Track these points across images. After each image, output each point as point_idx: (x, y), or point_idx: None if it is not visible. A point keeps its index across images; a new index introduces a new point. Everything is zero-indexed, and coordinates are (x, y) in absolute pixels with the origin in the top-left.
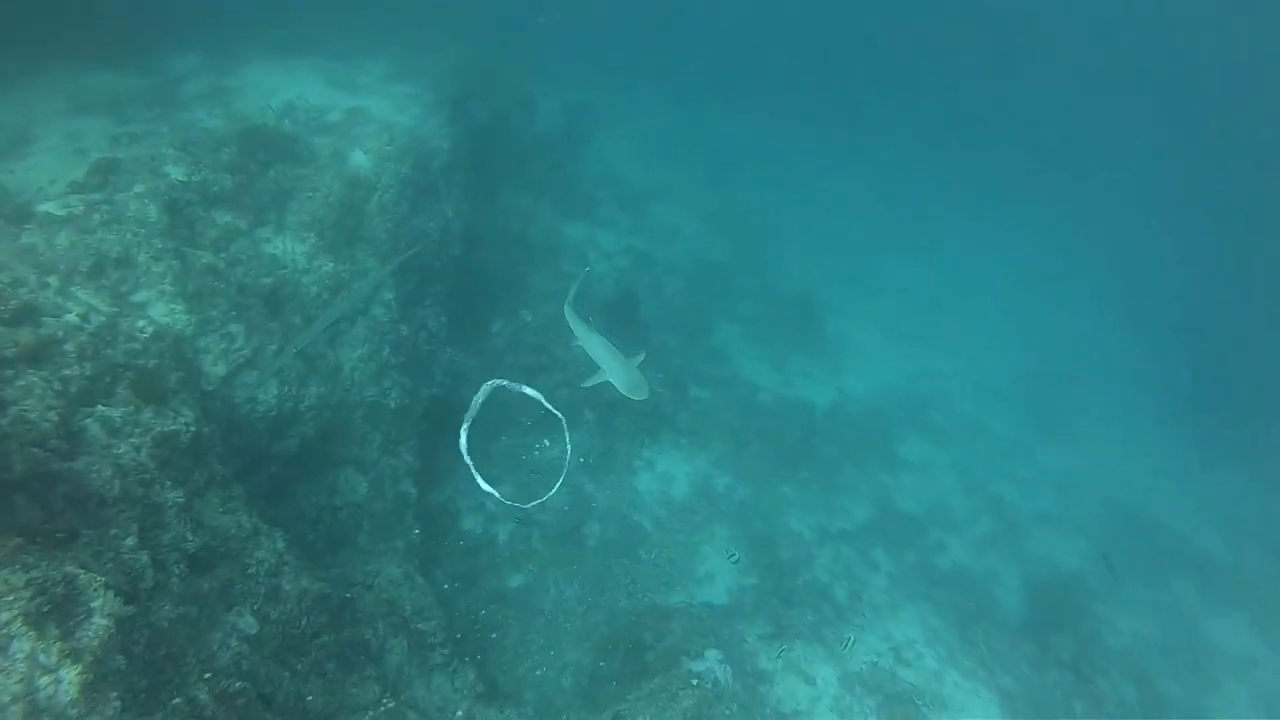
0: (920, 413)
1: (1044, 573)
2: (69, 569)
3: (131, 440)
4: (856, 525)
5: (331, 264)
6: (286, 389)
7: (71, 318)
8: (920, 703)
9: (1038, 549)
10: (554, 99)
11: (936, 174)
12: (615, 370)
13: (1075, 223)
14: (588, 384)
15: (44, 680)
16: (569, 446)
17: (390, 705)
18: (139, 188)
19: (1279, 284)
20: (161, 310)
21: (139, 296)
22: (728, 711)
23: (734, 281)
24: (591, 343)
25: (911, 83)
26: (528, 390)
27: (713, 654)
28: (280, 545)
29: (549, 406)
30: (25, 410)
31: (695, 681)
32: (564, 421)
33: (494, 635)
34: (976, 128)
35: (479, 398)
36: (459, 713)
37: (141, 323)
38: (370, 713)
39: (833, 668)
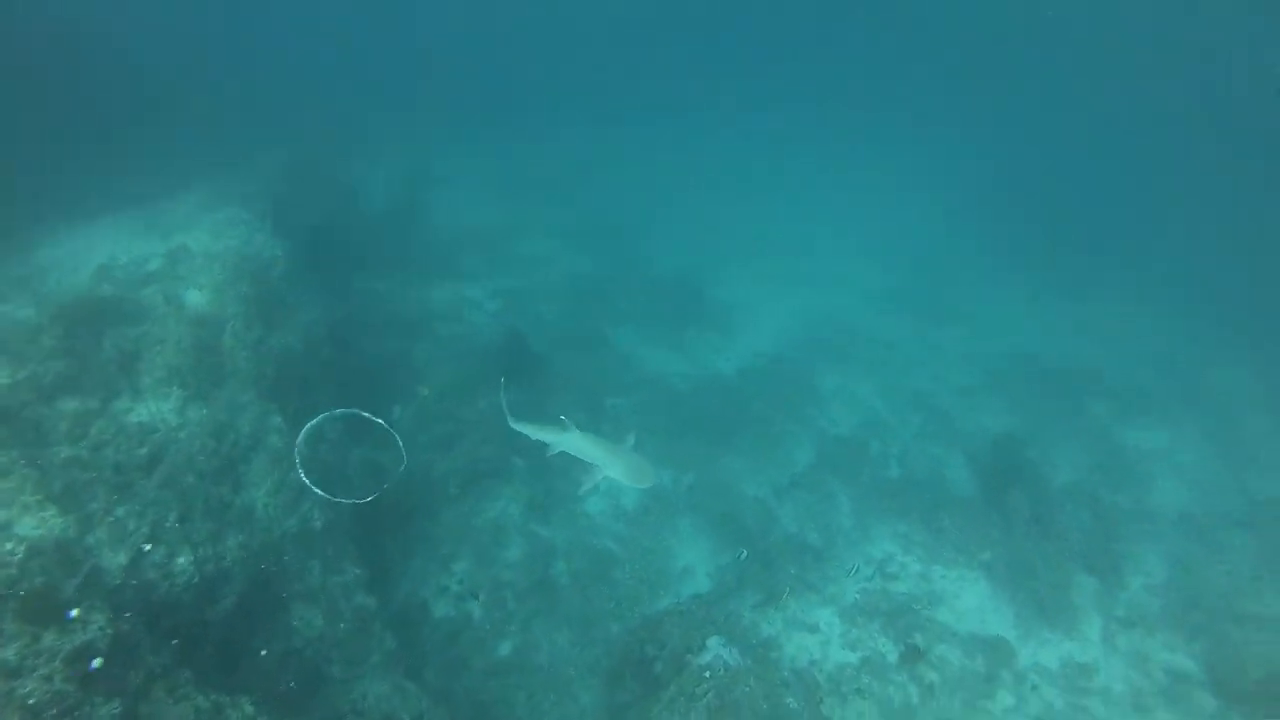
0: (824, 345)
1: (979, 442)
2: None
3: (39, 673)
4: (805, 467)
5: (205, 409)
6: (202, 551)
7: None
8: (919, 608)
9: (967, 423)
10: (388, 173)
11: (784, 134)
12: (612, 463)
13: (903, 146)
14: (584, 490)
15: None
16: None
17: None
18: None
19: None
20: (31, 524)
21: None
22: (747, 689)
23: (611, 286)
24: (572, 442)
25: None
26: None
27: (714, 641)
28: (249, 710)
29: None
30: None
31: (708, 674)
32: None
33: (503, 709)
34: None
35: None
36: None
37: (10, 545)
38: None
39: (830, 609)
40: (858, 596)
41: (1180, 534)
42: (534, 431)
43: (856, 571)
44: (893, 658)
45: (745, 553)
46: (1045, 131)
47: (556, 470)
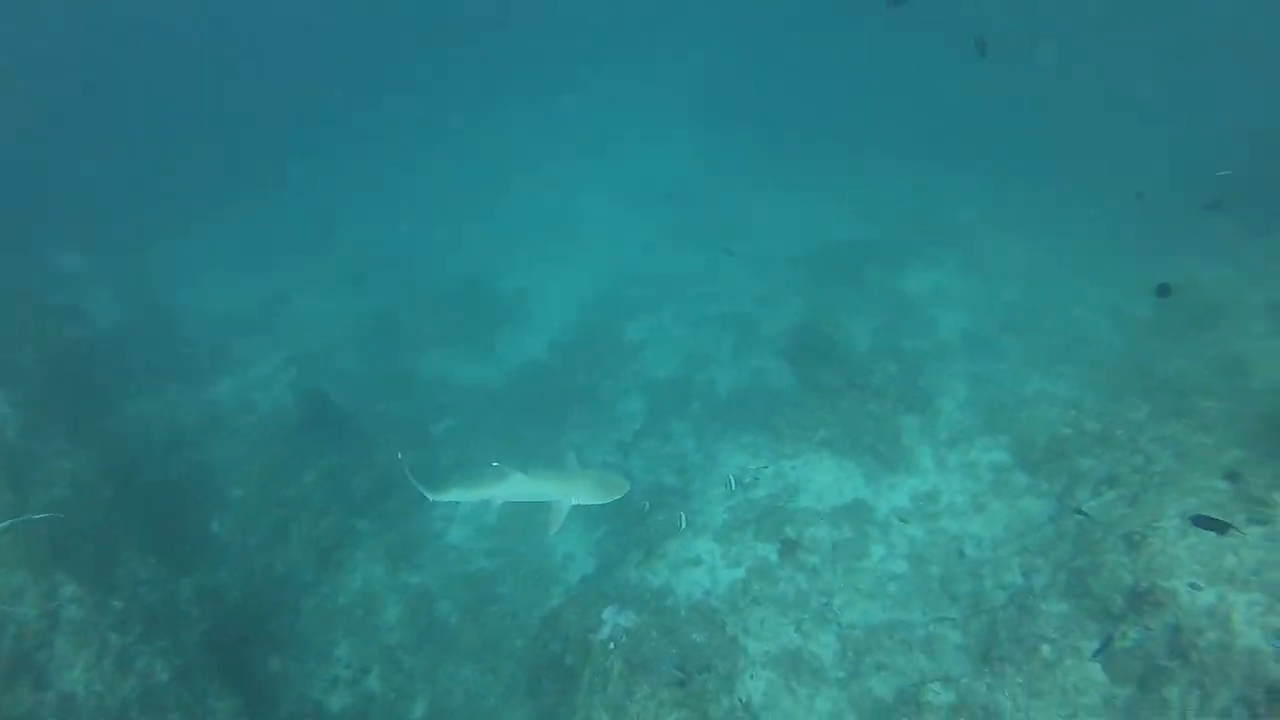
0: (622, 301)
1: (781, 336)
2: None
3: None
4: (642, 418)
5: None
6: None
7: None
8: (782, 504)
9: (772, 327)
10: (115, 278)
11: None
12: (575, 489)
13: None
14: (555, 530)
15: None
16: None
17: None
18: None
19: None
20: None
21: None
22: (652, 642)
23: (403, 316)
24: (518, 487)
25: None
26: None
27: (608, 612)
28: None
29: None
30: None
31: (611, 645)
32: None
33: None
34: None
35: None
36: None
37: None
38: None
39: (705, 539)
40: (726, 516)
41: (968, 353)
42: (465, 494)
43: (731, 486)
44: (774, 557)
45: (648, 505)
46: (760, 36)
47: (405, 515)
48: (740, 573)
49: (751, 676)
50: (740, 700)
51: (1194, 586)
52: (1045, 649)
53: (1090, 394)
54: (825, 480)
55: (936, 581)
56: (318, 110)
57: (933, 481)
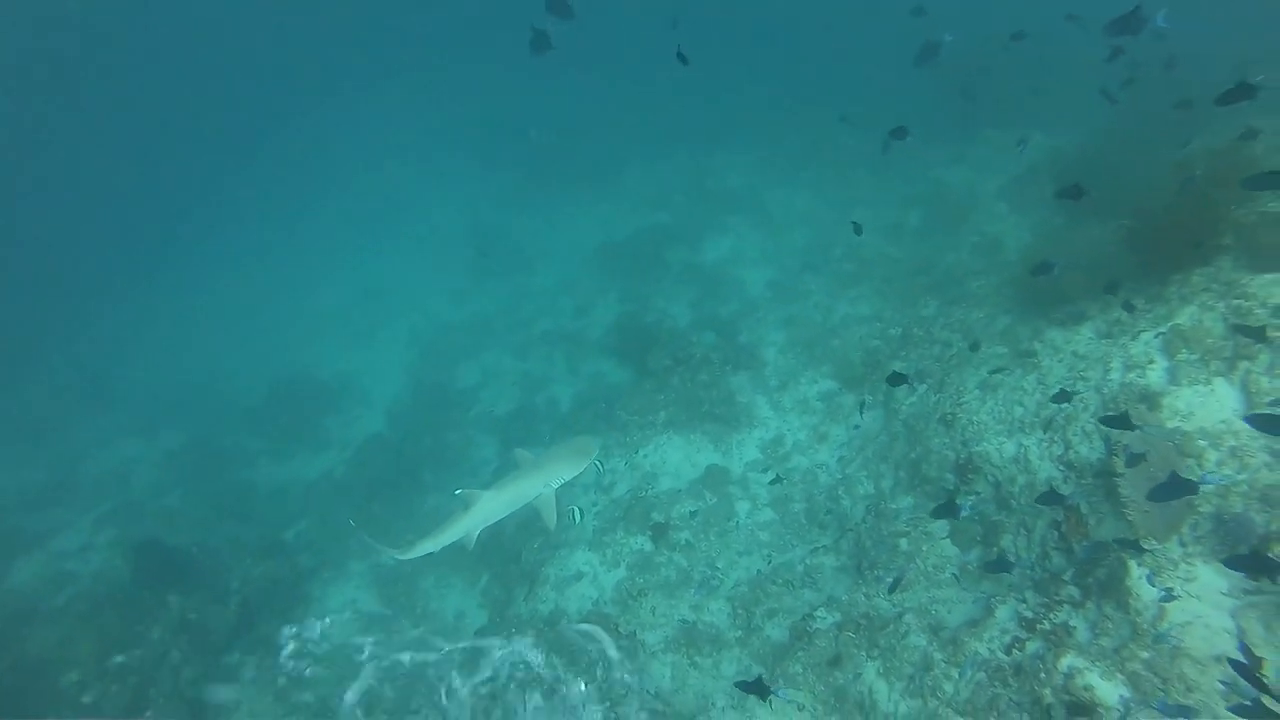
0: (445, 352)
1: (606, 336)
2: None
3: None
4: (496, 458)
5: None
6: None
7: None
8: (644, 493)
9: (594, 331)
10: None
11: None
12: (552, 471)
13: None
14: (552, 523)
15: None
16: None
17: None
18: None
19: None
20: None
21: None
22: (551, 670)
23: (222, 440)
24: (494, 501)
25: None
26: None
27: (499, 657)
28: None
29: None
30: None
31: (512, 686)
32: None
33: None
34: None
35: None
36: None
37: None
38: None
39: (581, 551)
40: (595, 523)
41: (777, 301)
42: (437, 540)
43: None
44: (649, 546)
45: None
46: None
47: (276, 632)
48: (621, 572)
49: (659, 664)
50: (650, 691)
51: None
52: (903, 543)
53: (887, 306)
54: (678, 458)
55: (803, 517)
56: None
57: (775, 427)
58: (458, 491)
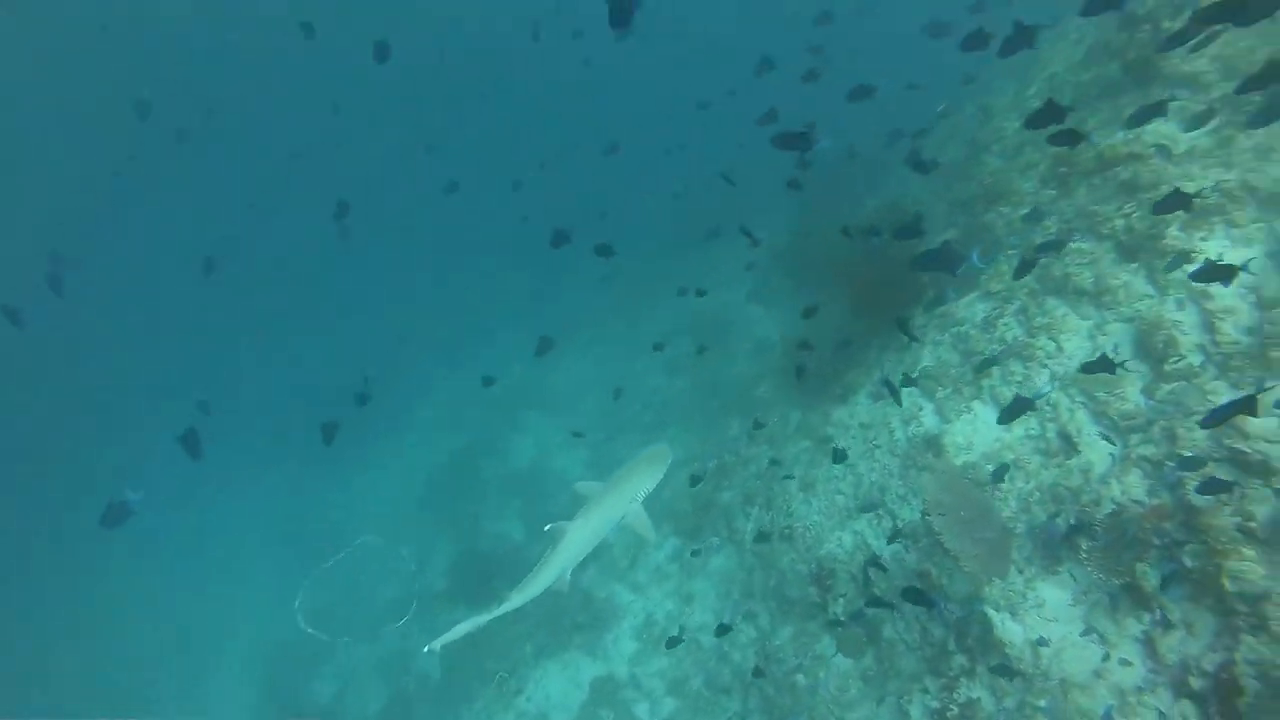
0: None
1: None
2: None
3: None
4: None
5: None
6: None
7: None
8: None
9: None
10: None
11: None
12: (631, 488)
13: None
14: (652, 537)
15: None
16: None
17: None
18: None
19: None
20: None
21: None
22: None
23: None
24: (582, 534)
25: None
26: None
27: None
28: None
29: None
30: None
31: None
32: None
33: None
34: None
35: None
36: None
37: None
38: None
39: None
40: None
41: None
42: (532, 587)
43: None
44: None
45: None
46: None
47: None
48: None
49: None
50: None
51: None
52: (800, 679)
53: (695, 440)
54: (560, 687)
55: (705, 689)
56: None
57: (641, 609)
58: (547, 528)
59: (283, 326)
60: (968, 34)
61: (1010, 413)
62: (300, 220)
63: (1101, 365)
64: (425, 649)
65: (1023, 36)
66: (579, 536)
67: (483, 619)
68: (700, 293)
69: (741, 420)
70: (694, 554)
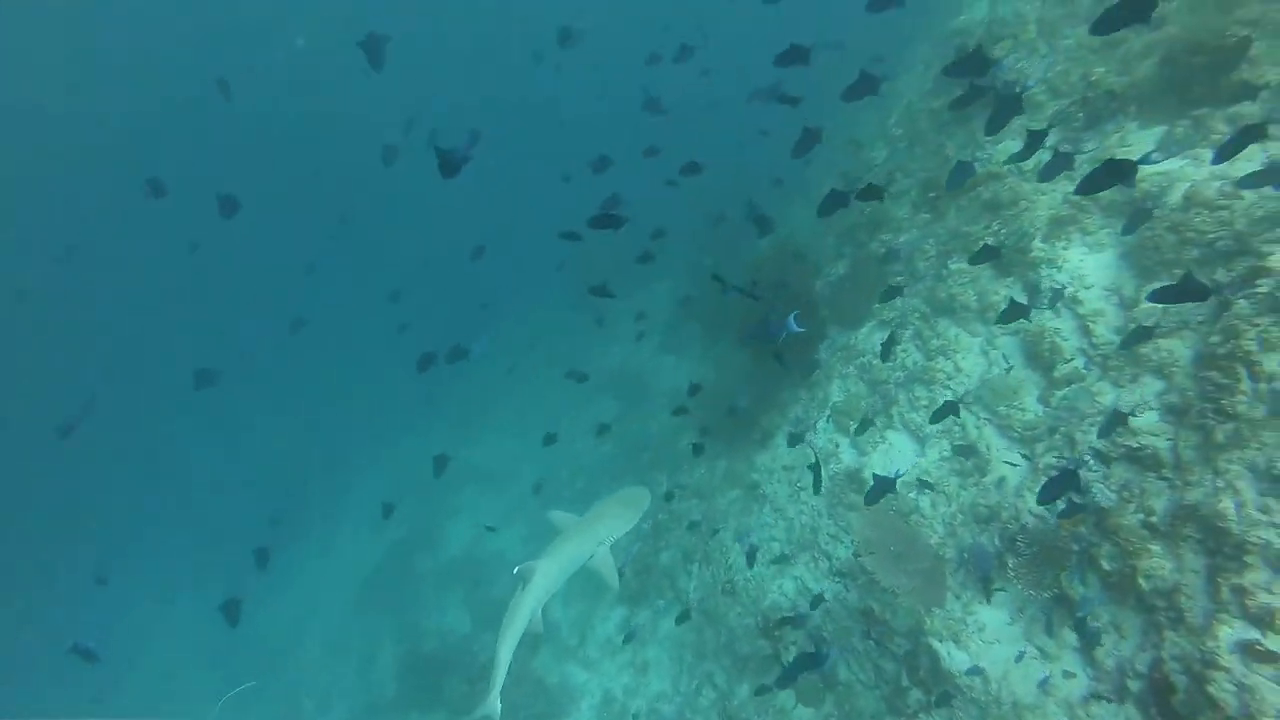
0: None
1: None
2: None
3: None
4: None
5: None
6: None
7: None
8: None
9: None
10: None
11: None
12: (600, 530)
13: None
14: (615, 583)
15: None
16: None
17: None
18: None
19: None
20: None
21: None
22: None
23: None
24: (549, 575)
25: None
26: None
27: None
28: None
29: None
30: None
31: None
32: None
33: None
34: None
35: None
36: None
37: None
38: None
39: None
40: None
41: None
42: (510, 639)
43: None
44: None
45: None
46: None
47: None
48: None
49: None
50: None
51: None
52: None
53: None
54: None
55: None
56: None
57: (598, 686)
58: (515, 570)
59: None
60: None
61: (873, 495)
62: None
63: (1017, 312)
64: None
65: (866, 84)
66: (548, 575)
67: (497, 679)
68: (582, 377)
69: (669, 474)
70: (625, 640)
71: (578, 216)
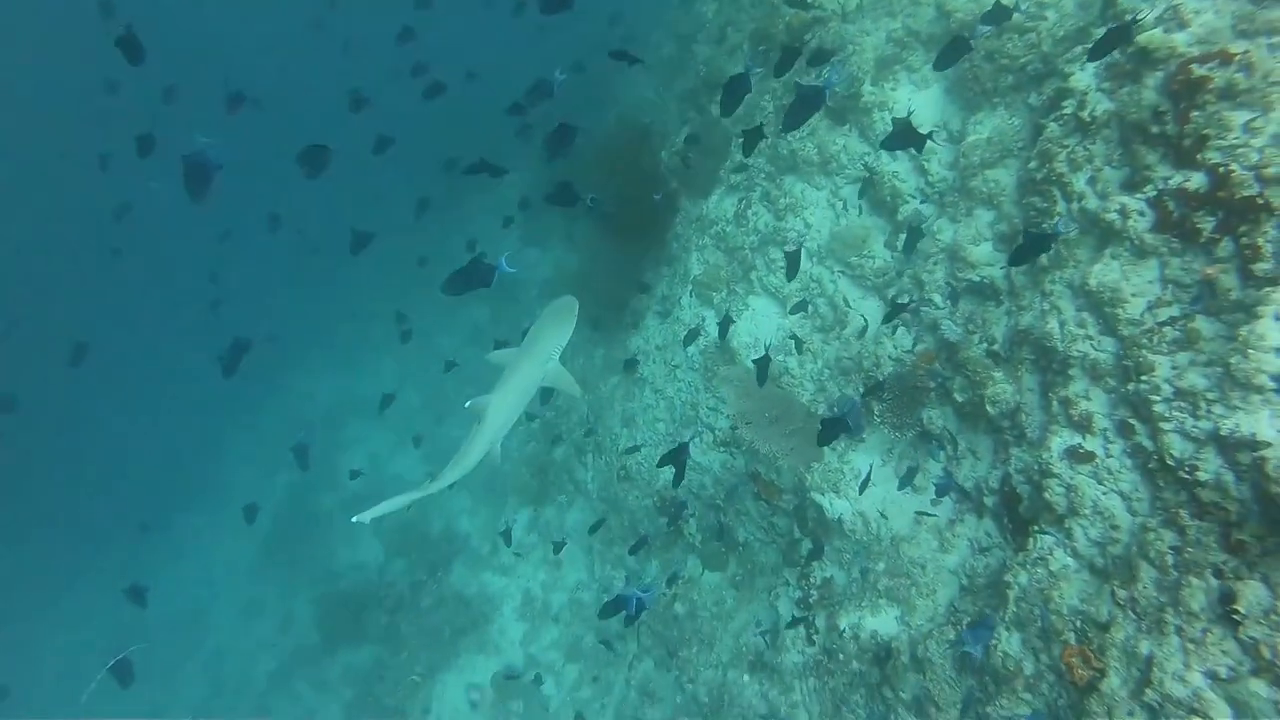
0: None
1: None
2: None
3: None
4: None
5: None
6: None
7: None
8: None
9: None
10: None
11: None
12: (543, 348)
13: None
14: (579, 391)
15: None
16: None
17: None
18: None
19: None
20: None
21: None
22: None
23: None
24: (505, 404)
25: None
26: None
27: None
28: None
29: None
30: None
31: None
32: None
33: None
34: None
35: None
36: None
37: None
38: None
39: None
40: None
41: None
42: (465, 461)
43: None
44: None
45: None
46: None
47: None
48: None
49: None
50: None
51: None
52: None
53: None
54: (463, 701)
55: (597, 642)
56: None
57: (519, 589)
58: (467, 404)
59: None
60: None
61: (760, 377)
62: None
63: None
64: (353, 519)
65: None
66: (502, 406)
67: (414, 494)
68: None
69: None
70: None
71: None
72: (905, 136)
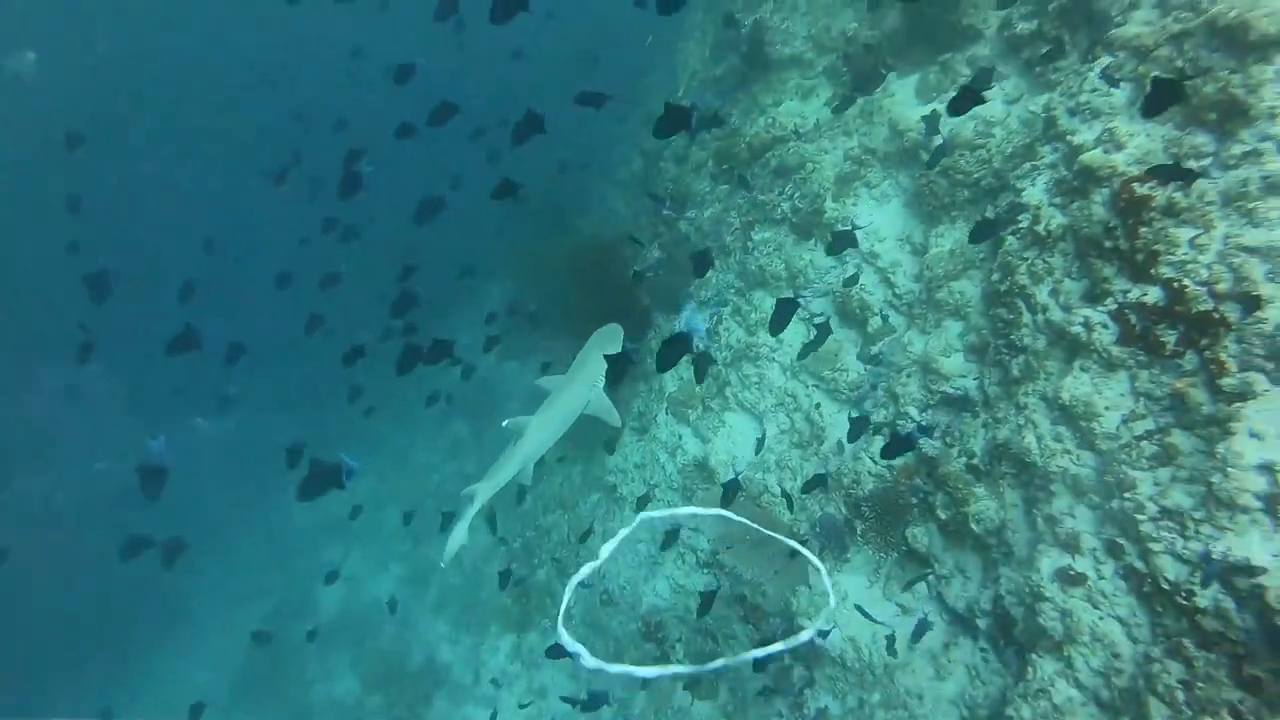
0: None
1: None
2: None
3: None
4: None
5: None
6: None
7: None
8: None
9: None
10: None
11: None
12: (588, 374)
13: None
14: (616, 419)
15: None
16: None
17: None
18: None
19: None
20: None
21: None
22: None
23: None
24: (544, 428)
25: None
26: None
27: None
28: None
29: None
30: None
31: None
32: None
33: None
34: None
35: None
36: None
37: None
38: None
39: None
40: None
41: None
42: (495, 480)
43: None
44: None
45: None
46: None
47: None
48: None
49: None
50: None
51: None
52: None
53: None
54: None
55: None
56: None
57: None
58: (505, 423)
59: None
60: None
61: (726, 499)
62: None
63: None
64: (442, 564)
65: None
66: (544, 425)
67: (469, 512)
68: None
69: (533, 492)
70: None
71: None
72: (844, 240)
